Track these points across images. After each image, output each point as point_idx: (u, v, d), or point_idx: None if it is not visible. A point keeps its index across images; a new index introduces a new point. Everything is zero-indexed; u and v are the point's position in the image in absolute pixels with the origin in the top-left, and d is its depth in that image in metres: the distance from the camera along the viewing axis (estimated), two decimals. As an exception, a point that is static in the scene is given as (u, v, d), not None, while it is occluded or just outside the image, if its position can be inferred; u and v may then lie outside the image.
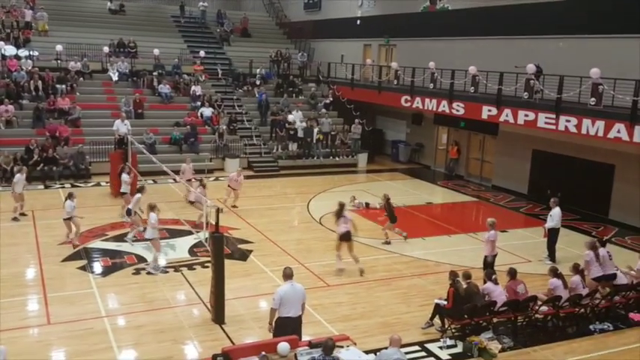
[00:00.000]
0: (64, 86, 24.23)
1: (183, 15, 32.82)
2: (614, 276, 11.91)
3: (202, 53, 28.78)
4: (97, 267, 13.09)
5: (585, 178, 19.02)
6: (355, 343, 8.80)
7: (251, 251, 14.46)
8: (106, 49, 26.83)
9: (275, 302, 8.65)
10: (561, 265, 12.69)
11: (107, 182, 19.89)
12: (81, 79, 25.45)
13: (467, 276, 10.63)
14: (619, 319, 11.30)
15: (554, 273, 11.07)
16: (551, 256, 14.46)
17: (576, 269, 11.35)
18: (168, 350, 9.60)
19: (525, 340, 10.41)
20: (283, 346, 8.11)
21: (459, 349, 9.94)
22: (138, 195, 14.37)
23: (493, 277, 10.91)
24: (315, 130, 25.26)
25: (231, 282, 11.04)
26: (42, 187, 19.95)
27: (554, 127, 17.81)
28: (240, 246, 14.78)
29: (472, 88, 21.06)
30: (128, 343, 9.82)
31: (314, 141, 25.23)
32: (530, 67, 18.51)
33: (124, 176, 16.46)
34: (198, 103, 25.89)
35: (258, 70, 29.16)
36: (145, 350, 9.59)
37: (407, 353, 8.78)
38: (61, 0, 30.71)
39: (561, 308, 10.94)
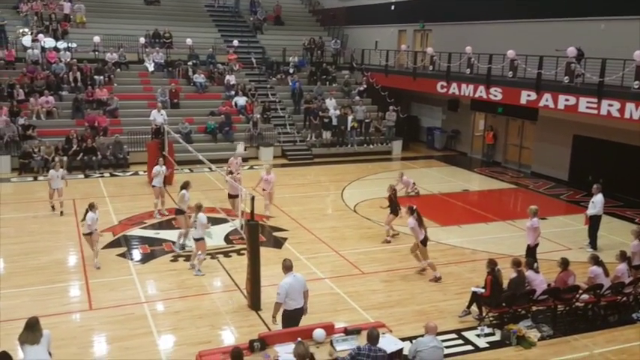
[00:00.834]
0: (101, 77, 24.67)
1: (217, 4, 32.97)
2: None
3: (236, 42, 28.89)
4: (137, 254, 13.35)
5: (628, 163, 18.43)
6: (391, 331, 8.75)
7: (286, 239, 14.52)
8: (142, 39, 27.17)
9: (280, 296, 8.56)
10: (603, 253, 12.36)
11: (145, 171, 20.20)
12: (118, 70, 25.86)
13: (517, 263, 10.43)
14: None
15: (595, 261, 10.79)
16: (593, 243, 14.10)
17: (623, 257, 11.02)
18: (206, 335, 9.74)
19: (565, 328, 10.21)
20: (319, 333, 8.12)
21: (496, 337, 9.82)
22: (183, 192, 13.53)
23: (535, 265, 10.70)
24: (350, 117, 25.13)
25: (266, 269, 11.10)
26: (82, 176, 20.42)
27: (596, 111, 17.30)
28: (274, 234, 14.85)
29: (510, 72, 20.60)
30: (167, 328, 10.00)
31: (348, 129, 25.11)
32: (571, 51, 17.98)
33: (156, 168, 15.97)
34: (233, 93, 26.04)
35: (291, 59, 29.12)
36: (183, 335, 9.75)
37: (443, 341, 8.67)
38: (98, -8, 31.22)
39: (603, 296, 10.66)
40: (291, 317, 8.62)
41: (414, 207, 12.38)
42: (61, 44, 25.98)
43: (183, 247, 13.53)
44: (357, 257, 13.37)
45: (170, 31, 28.42)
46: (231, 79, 26.50)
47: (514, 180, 21.53)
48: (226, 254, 13.41)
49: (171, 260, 12.98)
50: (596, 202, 13.95)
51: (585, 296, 10.64)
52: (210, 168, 15.70)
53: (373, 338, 7.42)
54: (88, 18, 28.45)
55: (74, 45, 26.29)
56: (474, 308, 10.50)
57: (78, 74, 24.32)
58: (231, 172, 15.54)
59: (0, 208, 16.47)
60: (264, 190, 16.11)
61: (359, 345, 7.52)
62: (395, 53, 27.44)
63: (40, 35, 25.48)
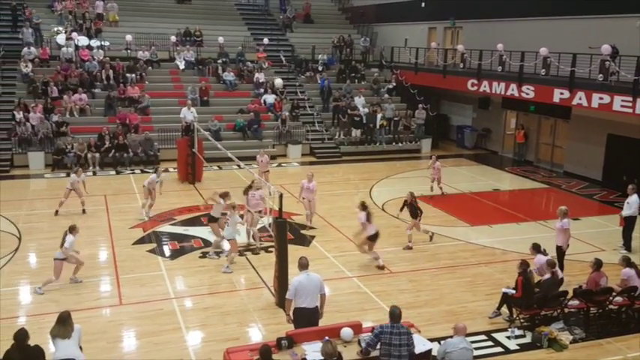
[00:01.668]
0: (133, 75, 25.03)
1: (246, 1, 33.14)
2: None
3: (266, 40, 28.99)
4: (166, 250, 13.50)
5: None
6: (419, 331, 8.66)
7: (314, 237, 14.51)
8: (173, 38, 27.47)
9: (290, 293, 8.51)
10: (638, 255, 12.03)
11: (175, 168, 20.43)
12: (149, 68, 26.20)
13: (551, 264, 10.24)
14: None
15: (627, 262, 10.51)
16: (627, 245, 13.74)
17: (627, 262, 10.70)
18: (234, 332, 9.79)
19: (598, 331, 9.99)
20: (347, 332, 8.10)
21: (527, 340, 9.66)
22: (220, 200, 13.26)
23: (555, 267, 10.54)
24: (379, 115, 24.99)
25: (294, 267, 11.05)
26: (113, 172, 20.74)
27: (630, 110, 16.83)
28: (302, 232, 14.85)
29: (543, 70, 20.19)
30: (195, 325, 10.08)
31: (377, 127, 24.98)
32: (606, 48, 17.53)
33: (152, 176, 15.78)
34: (262, 90, 26.14)
35: (320, 56, 29.10)
36: (211, 332, 9.82)
37: (473, 342, 8.57)
38: (131, -9, 31.66)
39: (637, 299, 10.37)
40: (301, 316, 8.50)
41: (365, 203, 12.73)
42: (94, 42, 26.43)
43: (218, 254, 13.20)
44: (385, 256, 13.23)
45: (201, 29, 28.68)
46: (260, 76, 26.61)
47: (546, 179, 21.13)
48: (254, 251, 13.45)
49: (200, 257, 13.09)
50: (632, 203, 13.61)
51: (619, 299, 10.38)
52: (238, 165, 15.78)
53: (395, 317, 7.39)
54: (121, 17, 28.89)
55: (107, 43, 26.72)
56: (505, 309, 10.34)
57: (110, 72, 24.72)
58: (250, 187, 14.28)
59: (34, 204, 16.85)
60: (303, 198, 15.19)
61: (381, 324, 7.47)
62: (425, 51, 27.17)
63: (74, 34, 25.96)
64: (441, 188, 18.34)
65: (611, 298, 10.28)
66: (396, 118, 25.49)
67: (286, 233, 10.93)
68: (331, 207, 17.03)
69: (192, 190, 18.69)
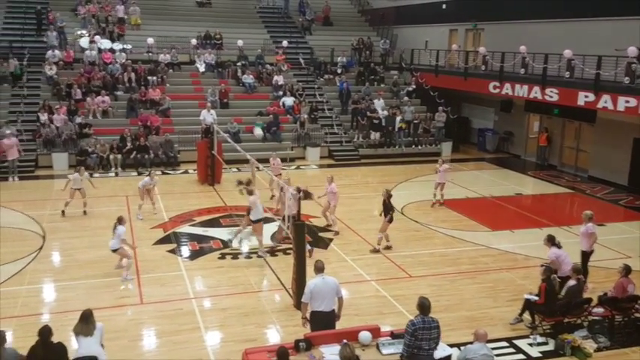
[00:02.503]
0: (154, 78, 25.25)
1: (264, 4, 33.25)
2: None
3: (285, 43, 29.06)
4: (186, 251, 13.56)
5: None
6: (440, 336, 8.54)
7: (332, 239, 14.45)
8: (193, 41, 27.68)
9: (305, 296, 8.47)
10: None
11: (194, 170, 20.54)
12: (170, 70, 26.42)
13: (577, 270, 10.05)
14: None
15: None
16: (654, 252, 13.44)
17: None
18: (252, 333, 9.78)
19: (623, 340, 9.75)
20: (365, 335, 8.02)
21: (550, 347, 9.47)
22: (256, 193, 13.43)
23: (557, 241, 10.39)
24: (398, 118, 24.86)
25: (312, 269, 11.03)
26: (135, 173, 20.90)
27: (658, 113, 16.53)
28: (320, 234, 14.80)
29: (567, 72, 19.91)
30: (214, 325, 10.10)
31: (396, 129, 24.85)
32: (632, 50, 17.25)
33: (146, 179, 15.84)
34: (281, 93, 26.19)
35: (339, 59, 29.07)
36: (230, 332, 9.83)
37: (494, 349, 8.41)
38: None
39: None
40: (318, 319, 8.45)
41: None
42: (117, 46, 26.72)
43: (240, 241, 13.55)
44: (404, 260, 13.18)
45: (221, 32, 28.84)
46: (279, 79, 26.66)
47: (570, 184, 20.80)
48: (272, 253, 13.44)
49: (219, 258, 13.11)
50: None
51: (645, 307, 10.15)
52: (257, 167, 15.81)
53: (425, 308, 7.30)
54: (143, 20, 29.16)
55: (129, 46, 26.99)
56: (527, 316, 10.16)
57: (132, 75, 24.98)
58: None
59: (58, 204, 17.03)
60: (329, 202, 15.11)
61: (411, 320, 7.37)
62: (445, 53, 26.99)
63: (97, 37, 26.31)
64: (442, 195, 17.51)
65: (637, 306, 10.05)
66: (415, 121, 25.34)
67: (305, 235, 10.89)
68: (349, 210, 16.94)
69: (211, 191, 18.77)
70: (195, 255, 13.29)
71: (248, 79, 26.43)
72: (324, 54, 29.65)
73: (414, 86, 27.81)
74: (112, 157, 21.18)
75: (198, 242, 14.06)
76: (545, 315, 9.81)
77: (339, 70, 28.48)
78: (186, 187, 19.36)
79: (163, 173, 21.05)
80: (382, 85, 28.22)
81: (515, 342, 9.63)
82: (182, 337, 9.60)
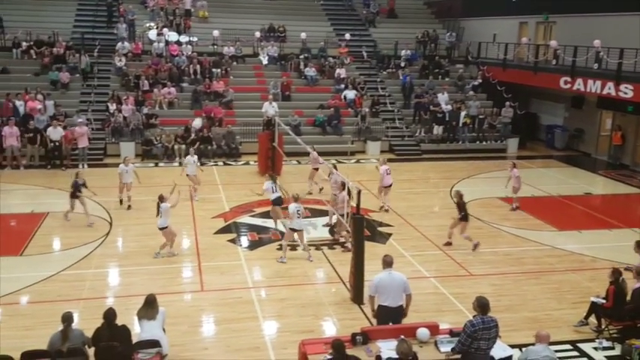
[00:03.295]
0: (219, 70, 25.71)
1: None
2: None
3: (348, 36, 28.93)
4: (245, 240, 13.76)
5: None
6: (500, 337, 8.29)
7: (390, 234, 14.30)
8: (257, 34, 27.99)
9: (370, 289, 8.53)
10: None
11: (255, 161, 20.79)
12: (234, 63, 26.82)
13: None
14: None
15: None
16: None
17: None
18: (309, 324, 9.84)
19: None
20: (423, 332, 7.91)
21: (616, 352, 9.10)
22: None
23: None
24: (462, 113, 24.29)
25: (370, 264, 10.97)
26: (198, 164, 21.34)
27: None
28: (379, 229, 14.67)
29: (644, 68, 18.89)
30: (272, 314, 10.22)
31: (460, 124, 24.30)
32: None
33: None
34: (342, 86, 26.11)
35: (403, 52, 28.68)
36: (287, 322, 9.92)
37: (557, 351, 8.13)
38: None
39: None
40: (384, 314, 8.45)
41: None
42: (183, 38, 27.37)
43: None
44: (465, 258, 12.88)
45: (284, 25, 29.03)
46: (341, 72, 26.58)
47: (644, 185, 19.78)
48: (330, 246, 13.45)
49: (277, 249, 13.21)
50: None
51: None
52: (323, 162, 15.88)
53: (486, 308, 7.10)
54: (209, 13, 29.71)
55: (195, 39, 27.59)
56: (593, 319, 9.75)
57: (197, 67, 25.51)
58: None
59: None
60: (385, 186, 15.80)
61: (470, 320, 7.20)
62: (515, 46, 26.14)
63: (165, 29, 27.02)
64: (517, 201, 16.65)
65: None
66: (481, 116, 24.67)
67: (363, 230, 10.83)
68: (410, 205, 16.74)
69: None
70: (254, 245, 13.47)
71: (310, 71, 26.49)
72: (387, 47, 29.32)
73: (480, 80, 27.07)
74: (176, 147, 21.73)
75: (258, 233, 14.24)
76: (612, 319, 9.38)
77: (402, 64, 28.10)
78: (247, 178, 19.63)
79: (225, 164, 21.42)
80: (447, 79, 27.64)
81: (580, 345, 9.31)
82: (240, 325, 9.76)
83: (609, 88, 20.02)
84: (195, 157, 17.14)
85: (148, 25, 27.59)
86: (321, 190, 17.36)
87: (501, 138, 24.75)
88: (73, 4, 28.87)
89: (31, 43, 25.12)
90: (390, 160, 22.06)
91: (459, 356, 7.32)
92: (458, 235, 13.42)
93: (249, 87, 25.87)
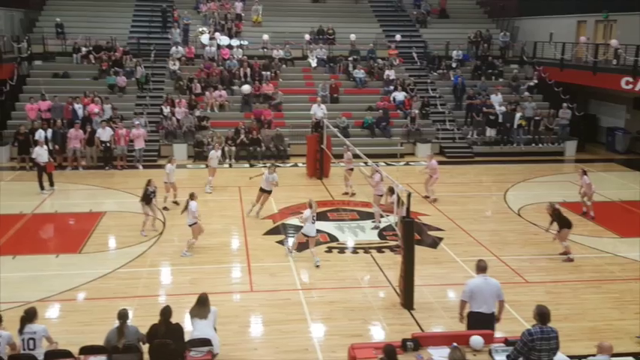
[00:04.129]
0: (268, 73, 25.89)
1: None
2: None
3: (398, 37, 28.61)
4: (294, 242, 13.72)
5: None
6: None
7: (441, 239, 13.99)
8: (306, 36, 28.06)
9: (464, 294, 8.28)
10: None
11: (303, 163, 20.79)
12: (283, 65, 26.96)
13: None
14: None
15: None
16: None
17: None
18: (358, 328, 9.71)
19: None
20: (477, 340, 7.62)
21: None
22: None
23: None
24: (517, 115, 23.56)
25: (420, 268, 10.78)
26: (247, 165, 21.56)
27: None
28: (430, 233, 14.38)
29: None
30: (320, 317, 10.15)
31: (514, 126, 23.61)
32: None
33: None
34: (391, 88, 25.83)
35: (454, 52, 28.15)
36: (335, 325, 9.82)
37: (619, 364, 7.72)
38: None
39: None
40: (478, 320, 8.23)
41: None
42: (235, 42, 27.70)
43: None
44: (520, 264, 12.46)
45: (333, 27, 28.98)
46: (390, 74, 26.31)
47: None
48: (379, 250, 13.27)
49: (326, 251, 13.14)
50: None
51: None
52: (365, 162, 15.70)
53: (545, 317, 6.81)
54: (263, 17, 29.95)
55: (246, 42, 27.89)
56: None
57: (248, 70, 25.78)
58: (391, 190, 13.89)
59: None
60: (430, 176, 16.74)
61: (528, 329, 6.92)
62: (572, 46, 25.24)
63: (217, 33, 27.43)
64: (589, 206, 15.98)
65: None
66: (537, 118, 23.90)
67: (413, 233, 10.60)
68: (461, 209, 16.37)
69: (319, 185, 18.92)
70: (302, 247, 13.40)
71: (359, 73, 26.33)
72: (438, 47, 28.85)
73: (536, 81, 26.27)
74: (226, 149, 21.99)
75: (306, 234, 14.14)
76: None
77: (453, 64, 27.57)
78: (295, 180, 19.64)
79: (273, 166, 21.47)
80: (500, 80, 26.93)
81: (644, 359, 8.78)
82: (289, 327, 9.74)
83: (674, 89, 19.06)
84: (219, 152, 18.27)
85: (200, 29, 28.05)
86: (352, 195, 17.23)
87: (559, 140, 23.91)
88: (130, 11, 29.74)
89: (91, 48, 25.99)
90: (440, 163, 21.71)
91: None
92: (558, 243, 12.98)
93: (298, 89, 25.93)
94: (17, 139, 20.46)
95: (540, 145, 23.74)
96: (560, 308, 10.36)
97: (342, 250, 13.25)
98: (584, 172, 15.77)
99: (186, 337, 7.89)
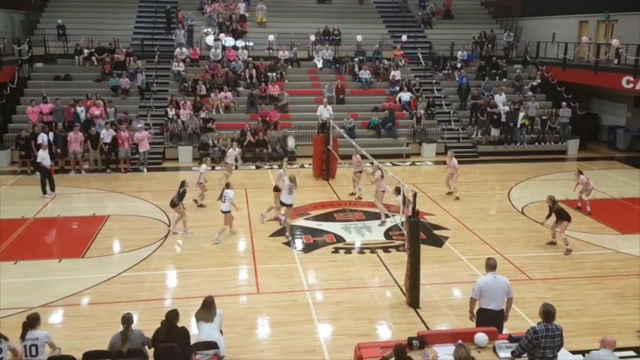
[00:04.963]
0: (274, 74, 26.02)
1: (386, 0, 33.03)
2: None
3: (405, 37, 28.73)
4: (300, 243, 13.90)
5: None
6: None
7: (447, 238, 14.15)
8: (312, 37, 28.20)
9: (474, 292, 8.41)
10: None
11: (310, 164, 20.95)
12: (289, 66, 27.11)
13: None
14: None
15: None
16: None
17: None
18: (364, 328, 9.84)
19: None
20: (481, 337, 7.78)
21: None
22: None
23: None
24: (521, 114, 23.69)
25: (425, 267, 10.90)
26: (253, 167, 21.73)
27: None
28: (435, 232, 14.53)
29: None
30: (327, 317, 10.27)
31: (518, 126, 23.73)
32: None
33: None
34: (397, 88, 25.97)
35: (459, 53, 28.26)
36: (342, 325, 9.95)
37: (621, 357, 7.86)
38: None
39: None
40: (486, 318, 8.36)
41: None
42: (240, 43, 27.81)
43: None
44: (524, 262, 12.61)
45: (339, 28, 29.11)
46: (396, 74, 26.45)
47: None
48: (385, 249, 13.43)
49: (332, 252, 13.30)
50: None
51: None
52: (371, 163, 15.84)
53: (550, 316, 6.97)
54: (267, 18, 30.10)
55: (251, 44, 27.99)
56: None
57: (253, 71, 25.91)
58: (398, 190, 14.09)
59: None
60: (452, 174, 17.40)
61: (533, 327, 7.09)
62: (575, 46, 25.33)
63: (222, 35, 27.54)
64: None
65: None
66: (544, 117, 23.98)
67: (419, 233, 10.75)
68: (466, 208, 16.51)
69: (326, 186, 19.08)
70: (309, 248, 13.58)
71: (365, 74, 26.48)
72: (443, 48, 28.97)
73: (539, 81, 26.37)
74: (230, 140, 21.98)
75: (313, 236, 14.35)
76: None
77: (458, 65, 27.70)
78: (302, 181, 19.59)
79: (280, 167, 21.65)
80: (504, 80, 27.04)
81: (646, 354, 8.92)
82: (296, 328, 9.86)
83: (676, 87, 19.15)
84: (238, 150, 18.84)
85: (205, 30, 28.18)
86: (359, 198, 17.38)
87: (561, 139, 24.02)
88: (133, 12, 29.80)
89: (93, 50, 25.94)
90: (445, 162, 21.87)
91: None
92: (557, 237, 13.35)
93: (304, 90, 26.09)
94: (18, 143, 20.31)
95: (543, 144, 23.87)
96: (562, 304, 10.49)
97: (348, 250, 13.41)
98: (580, 172, 16.12)
99: (193, 341, 7.92)
